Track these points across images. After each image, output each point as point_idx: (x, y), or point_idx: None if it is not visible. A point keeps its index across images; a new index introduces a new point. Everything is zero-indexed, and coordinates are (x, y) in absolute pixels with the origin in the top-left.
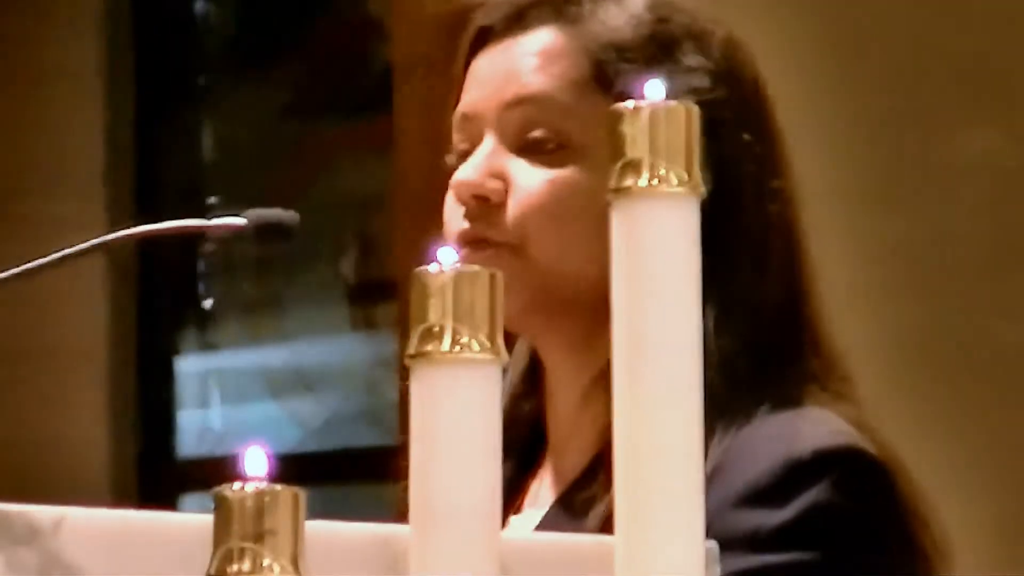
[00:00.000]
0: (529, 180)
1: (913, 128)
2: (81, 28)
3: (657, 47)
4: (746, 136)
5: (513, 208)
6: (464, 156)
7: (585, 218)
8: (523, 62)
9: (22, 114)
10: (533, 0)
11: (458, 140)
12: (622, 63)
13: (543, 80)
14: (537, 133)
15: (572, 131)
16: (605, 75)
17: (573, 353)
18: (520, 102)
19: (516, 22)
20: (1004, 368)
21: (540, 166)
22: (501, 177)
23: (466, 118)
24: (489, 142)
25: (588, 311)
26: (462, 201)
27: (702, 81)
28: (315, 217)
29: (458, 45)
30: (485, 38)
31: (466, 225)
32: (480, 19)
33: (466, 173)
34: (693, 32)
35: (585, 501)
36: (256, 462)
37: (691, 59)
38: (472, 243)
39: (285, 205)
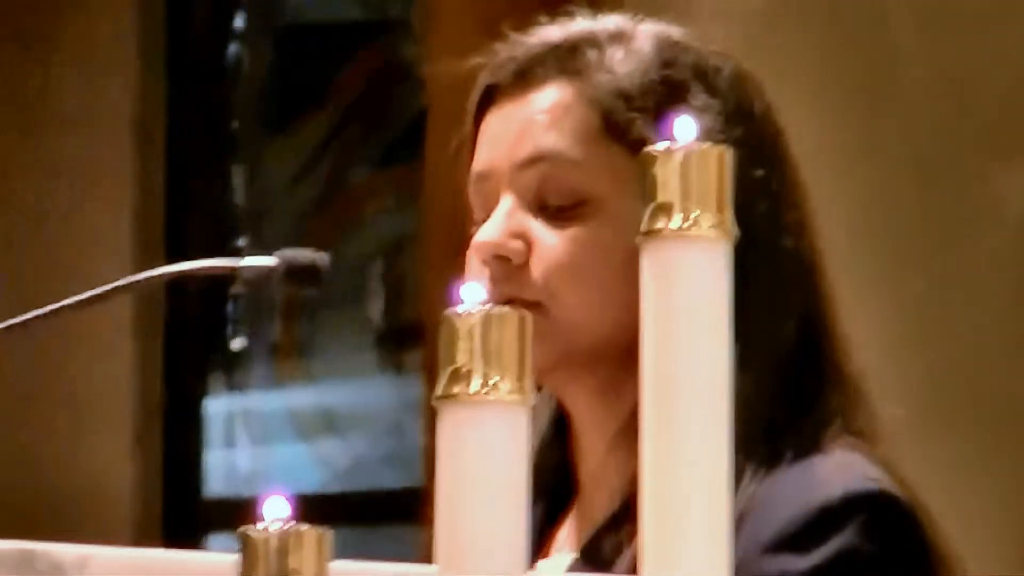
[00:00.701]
0: (550, 239)
1: (942, 173)
2: (113, 74)
3: (665, 91)
4: (759, 172)
5: (536, 268)
6: (483, 215)
7: (608, 271)
8: (533, 120)
9: (53, 160)
10: (538, 56)
11: (475, 199)
12: (632, 112)
13: (554, 137)
14: (553, 191)
15: (588, 185)
16: (616, 125)
17: (599, 403)
18: (534, 161)
19: (523, 79)
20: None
21: (559, 223)
22: (522, 236)
23: (481, 178)
24: (507, 201)
25: (613, 361)
26: (484, 262)
27: (713, 122)
28: (345, 261)
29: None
30: (493, 96)
31: (490, 286)
32: (487, 77)
33: (487, 234)
34: (700, 71)
35: (613, 547)
36: (276, 510)
37: (700, 100)
38: (497, 304)
39: (314, 248)
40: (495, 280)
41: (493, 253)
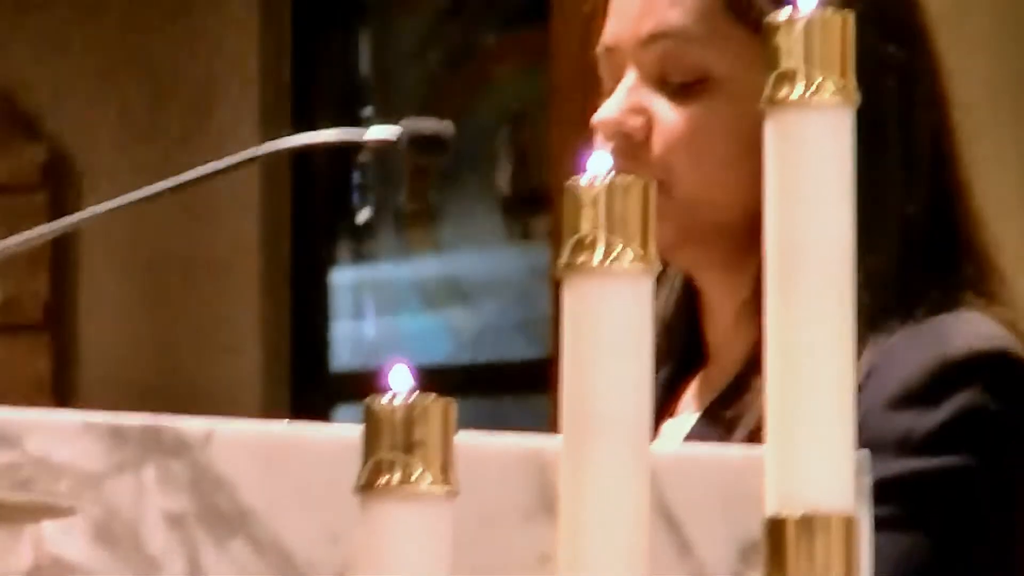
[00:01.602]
0: (671, 116)
1: None
2: None
3: None
4: (889, 43)
5: (656, 145)
6: (611, 88)
7: (729, 149)
8: None
9: (178, 27)
10: None
11: (603, 72)
12: None
13: (678, 13)
14: (675, 67)
15: (710, 62)
16: (738, 3)
17: (725, 275)
18: (656, 38)
19: None
20: None
21: (681, 100)
22: (643, 113)
23: (608, 51)
24: (630, 77)
25: (737, 235)
26: (606, 138)
27: None
28: (471, 128)
29: None
30: None
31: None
32: None
33: (608, 111)
34: None
35: (734, 412)
36: (400, 378)
37: None
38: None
39: (441, 116)
40: (616, 157)
41: (614, 130)
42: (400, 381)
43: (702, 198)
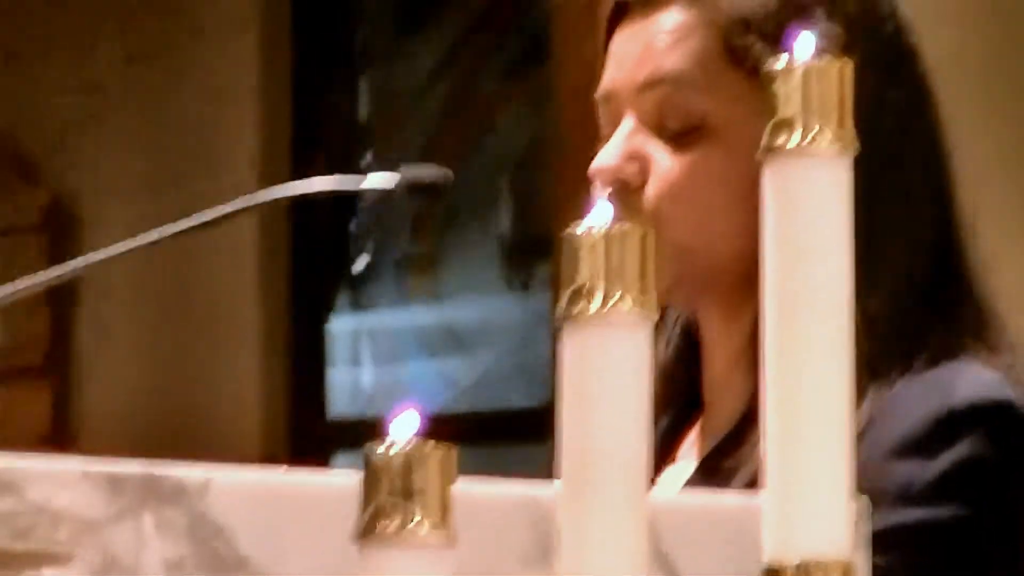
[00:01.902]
0: (666, 164)
1: None
2: None
3: (787, 14)
4: (887, 90)
5: (651, 193)
6: (609, 134)
7: (724, 195)
8: (655, 41)
9: (176, 69)
10: None
11: (602, 118)
12: (753, 36)
13: (676, 60)
14: (672, 114)
15: (707, 110)
16: (737, 49)
17: (720, 321)
18: (654, 84)
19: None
20: None
21: (677, 149)
22: (640, 159)
23: (606, 97)
24: (628, 123)
25: (735, 280)
26: (604, 185)
27: (838, 42)
28: (471, 173)
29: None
30: (621, 14)
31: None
32: None
33: (604, 158)
34: None
35: (732, 463)
36: (408, 424)
37: (824, 22)
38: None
39: (442, 162)
40: (613, 203)
41: (610, 178)
42: (408, 427)
43: (696, 245)
